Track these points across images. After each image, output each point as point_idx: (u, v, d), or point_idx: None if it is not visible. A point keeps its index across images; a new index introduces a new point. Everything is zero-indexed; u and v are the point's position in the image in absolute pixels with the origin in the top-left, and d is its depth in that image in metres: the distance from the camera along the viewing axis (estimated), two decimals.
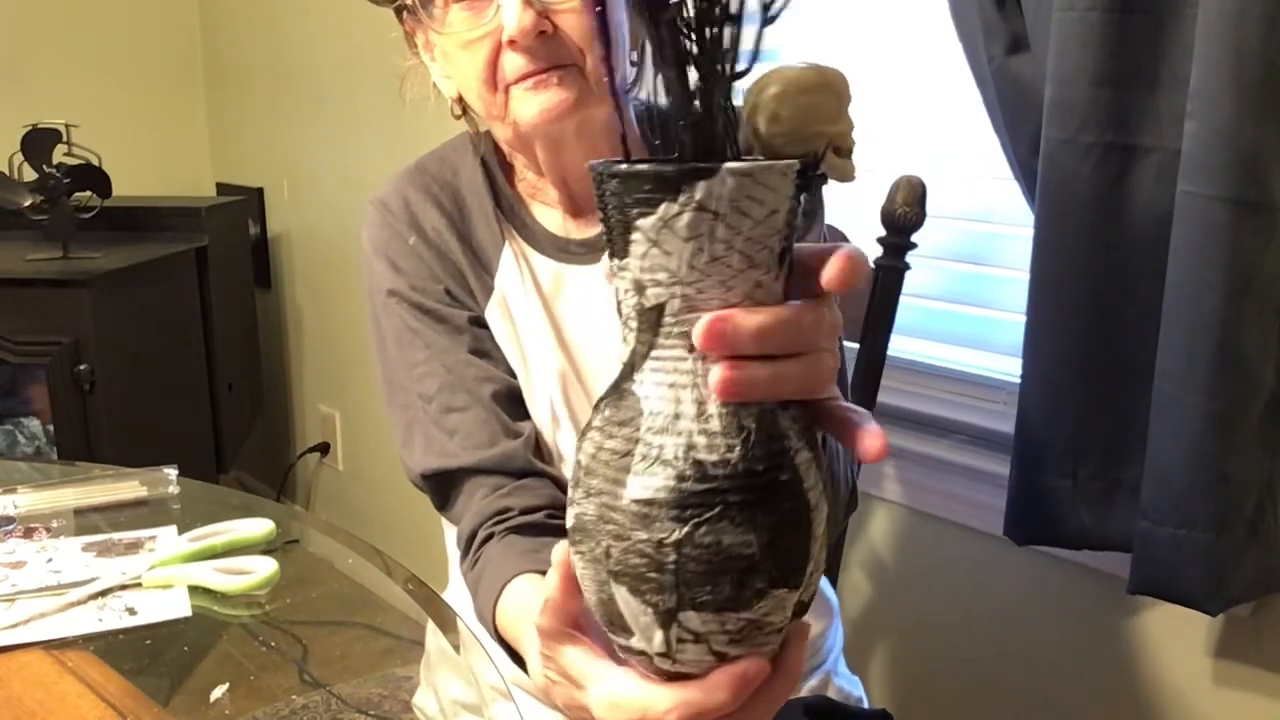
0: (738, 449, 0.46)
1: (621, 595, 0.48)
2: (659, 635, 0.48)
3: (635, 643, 0.50)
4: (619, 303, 0.49)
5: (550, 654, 0.58)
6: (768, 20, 0.46)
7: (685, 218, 0.45)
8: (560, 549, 0.54)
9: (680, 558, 0.46)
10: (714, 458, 0.46)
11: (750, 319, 0.45)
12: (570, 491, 0.51)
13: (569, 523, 0.51)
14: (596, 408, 0.50)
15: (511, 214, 0.95)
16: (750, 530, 0.46)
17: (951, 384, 1.40)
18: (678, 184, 0.44)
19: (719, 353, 0.46)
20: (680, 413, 0.47)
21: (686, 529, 0.46)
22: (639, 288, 0.47)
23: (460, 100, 0.93)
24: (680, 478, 0.46)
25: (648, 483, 0.46)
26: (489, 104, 0.86)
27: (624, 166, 0.45)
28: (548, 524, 0.83)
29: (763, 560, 0.46)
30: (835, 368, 0.49)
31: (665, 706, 0.50)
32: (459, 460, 0.86)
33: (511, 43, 0.82)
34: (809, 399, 0.49)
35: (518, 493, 0.84)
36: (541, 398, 0.90)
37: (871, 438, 0.48)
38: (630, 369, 0.48)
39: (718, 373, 0.45)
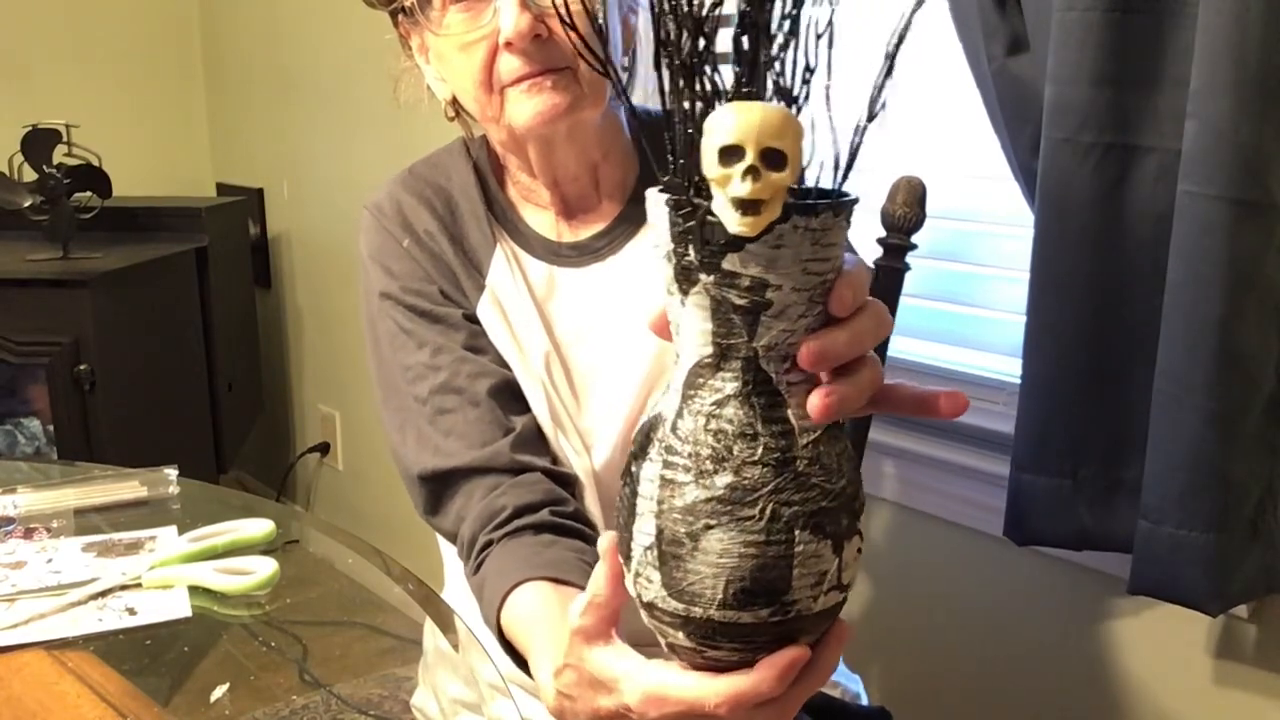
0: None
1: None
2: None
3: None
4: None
5: (576, 662, 0.57)
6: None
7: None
8: (605, 540, 0.54)
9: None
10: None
11: (840, 336, 0.50)
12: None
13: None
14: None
15: (503, 217, 0.96)
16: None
17: (951, 384, 1.40)
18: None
19: (823, 370, 0.50)
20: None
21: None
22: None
23: (454, 102, 0.93)
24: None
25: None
26: (484, 105, 0.87)
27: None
28: (549, 522, 0.82)
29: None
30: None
31: (716, 697, 0.51)
32: (455, 460, 0.86)
33: (508, 45, 0.82)
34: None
35: (513, 490, 0.84)
36: (537, 391, 0.90)
37: (949, 398, 0.53)
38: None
39: (816, 399, 0.49)
